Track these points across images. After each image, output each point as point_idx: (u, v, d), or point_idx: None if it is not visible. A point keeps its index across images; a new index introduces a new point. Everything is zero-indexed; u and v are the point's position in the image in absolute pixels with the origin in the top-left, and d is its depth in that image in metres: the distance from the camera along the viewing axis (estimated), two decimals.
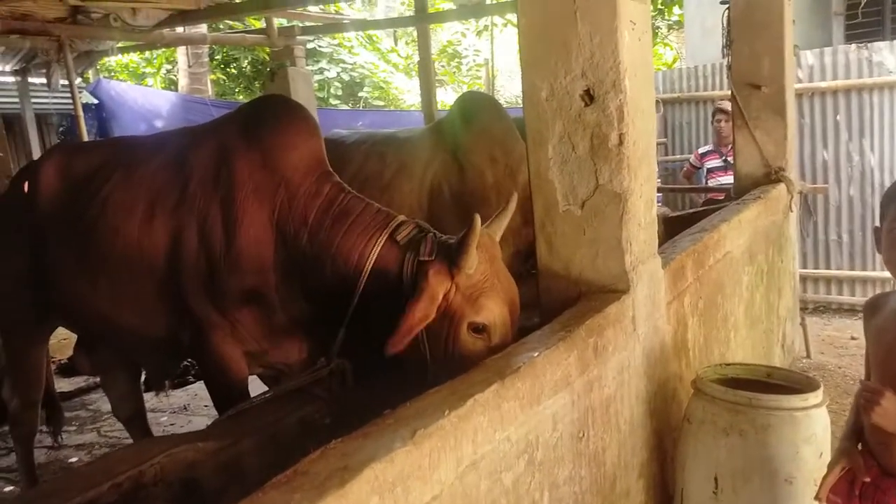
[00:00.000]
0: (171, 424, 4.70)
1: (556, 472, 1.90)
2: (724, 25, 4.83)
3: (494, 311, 2.15)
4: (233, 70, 14.86)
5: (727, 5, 4.77)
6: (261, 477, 2.23)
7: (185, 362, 4.42)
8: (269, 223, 2.40)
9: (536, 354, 1.82)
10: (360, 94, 14.32)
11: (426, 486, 1.41)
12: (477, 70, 14.37)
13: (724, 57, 5.09)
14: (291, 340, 2.53)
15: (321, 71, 13.28)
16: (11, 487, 4.02)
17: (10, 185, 3.27)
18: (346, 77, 13.87)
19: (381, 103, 14.54)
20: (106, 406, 5.20)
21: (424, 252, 2.17)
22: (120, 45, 8.17)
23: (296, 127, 2.49)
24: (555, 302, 2.42)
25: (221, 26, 9.69)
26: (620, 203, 2.30)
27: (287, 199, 2.39)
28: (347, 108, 13.56)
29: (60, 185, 2.79)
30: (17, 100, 10.45)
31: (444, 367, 2.11)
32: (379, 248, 2.24)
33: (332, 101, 13.63)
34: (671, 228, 4.08)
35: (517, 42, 2.44)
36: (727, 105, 6.46)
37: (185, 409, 4.94)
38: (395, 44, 11.92)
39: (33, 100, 11.11)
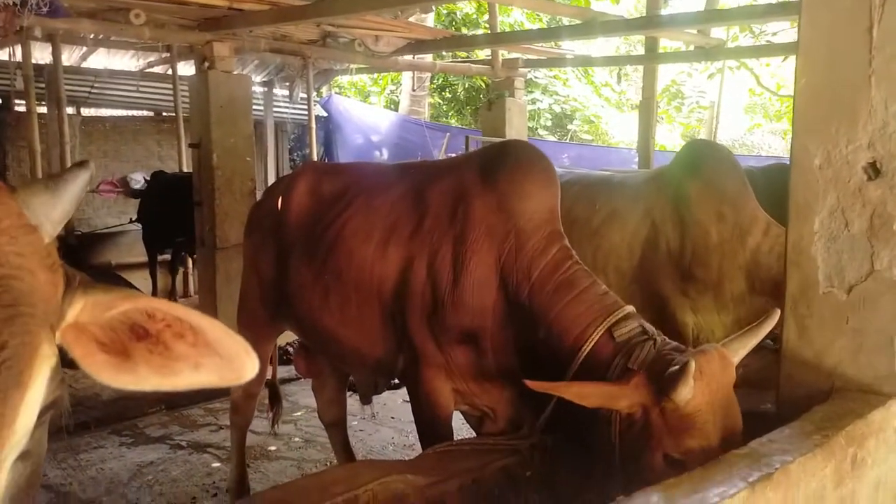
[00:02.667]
0: (361, 430, 4.90)
1: None
2: None
3: (696, 450, 1.90)
4: (447, 94, 15.53)
5: None
6: None
7: None
8: (494, 268, 2.39)
9: (790, 459, 1.61)
10: (568, 127, 14.30)
11: None
12: (700, 112, 13.74)
13: None
14: (498, 388, 2.50)
15: (533, 101, 13.44)
16: (219, 464, 4.41)
17: (264, 196, 3.60)
18: (557, 109, 13.92)
19: (589, 137, 14.41)
20: (304, 400, 5.57)
21: (636, 360, 2.02)
22: (356, 66, 8.82)
23: (534, 177, 2.46)
24: (799, 393, 2.16)
25: (446, 54, 10.18)
26: None
27: (515, 249, 2.36)
28: (555, 139, 13.59)
29: (309, 202, 3.01)
30: (262, 108, 11.68)
31: (630, 474, 1.97)
32: (596, 339, 2.13)
33: (541, 132, 13.73)
34: None
35: (793, 102, 2.22)
36: None
37: (373, 417, 5.13)
38: (619, 82, 11.72)
39: (274, 109, 12.40)
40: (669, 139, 13.86)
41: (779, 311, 2.23)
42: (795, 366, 2.19)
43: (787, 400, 2.19)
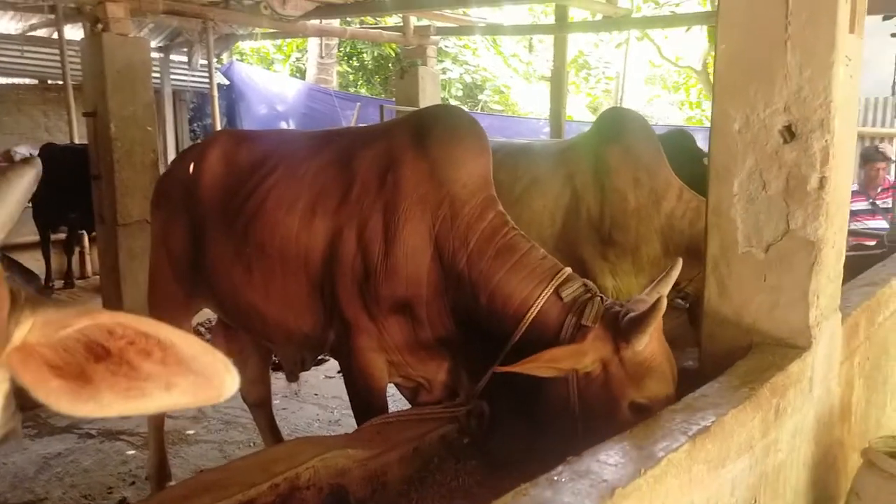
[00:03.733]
0: (284, 409, 4.79)
1: None
2: None
3: (660, 394, 1.99)
4: (355, 63, 15.18)
5: None
6: (402, 489, 2.20)
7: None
8: (428, 236, 2.35)
9: (724, 412, 1.68)
10: (479, 97, 14.34)
11: None
12: (607, 82, 14.10)
13: (893, 94, 4.72)
14: (434, 357, 2.48)
15: (444, 71, 13.36)
16: (134, 451, 4.21)
17: (172, 166, 3.40)
18: (467, 79, 13.92)
19: (500, 108, 14.50)
20: None
21: (589, 317, 2.05)
22: (261, 31, 8.46)
23: (467, 143, 2.42)
24: (720, 350, 2.26)
25: (354, 20, 9.92)
26: (813, 252, 2.11)
27: (450, 216, 2.32)
28: (466, 109, 13.62)
29: (224, 171, 2.85)
30: (158, 75, 11.01)
31: (593, 435, 2.01)
32: (542, 302, 2.14)
33: (452, 103, 13.71)
34: None
35: (714, 68, 2.29)
36: (889, 151, 5.98)
37: (296, 395, 5.02)
38: (531, 51, 11.80)
39: (172, 76, 11.74)
40: (576, 109, 14.16)
41: (681, 260, 2.36)
42: (716, 323, 2.29)
43: (709, 356, 2.29)
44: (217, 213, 2.82)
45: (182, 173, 3.03)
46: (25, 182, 0.77)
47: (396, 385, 2.71)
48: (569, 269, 2.23)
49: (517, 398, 2.21)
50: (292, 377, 3.07)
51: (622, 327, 1.97)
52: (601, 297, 2.12)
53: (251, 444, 4.20)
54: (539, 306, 2.12)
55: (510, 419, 2.28)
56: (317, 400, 5.00)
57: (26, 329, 0.73)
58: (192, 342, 0.75)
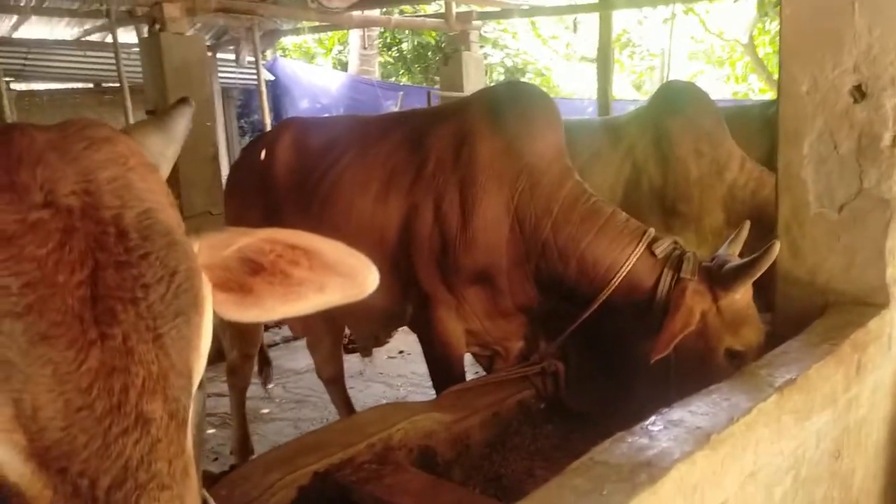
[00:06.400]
0: (351, 388, 4.89)
1: (814, 491, 1.80)
2: None
3: (753, 340, 2.09)
4: (393, 53, 15.25)
5: None
6: (484, 452, 2.29)
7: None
8: (506, 209, 2.43)
9: (808, 366, 1.72)
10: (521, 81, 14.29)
11: (717, 491, 1.37)
12: (651, 59, 13.90)
13: None
14: (513, 324, 2.56)
15: (485, 56, 13.35)
16: (213, 430, 4.39)
17: (243, 155, 3.54)
18: (508, 63, 13.88)
19: (544, 90, 14.38)
20: (287, 364, 5.57)
21: (686, 270, 2.14)
22: (307, 24, 8.61)
23: (541, 116, 2.49)
24: (794, 309, 2.29)
25: (397, 10, 9.99)
26: (888, 210, 2.12)
27: (529, 187, 2.40)
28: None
29: (296, 157, 2.97)
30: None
31: (687, 383, 2.07)
32: (635, 259, 2.22)
33: None
34: None
35: (779, 32, 2.30)
36: None
37: (360, 374, 5.16)
38: (575, 31, 11.72)
39: (219, 74, 11.98)
40: (620, 88, 14.01)
41: (749, 222, 2.46)
42: (789, 285, 2.32)
43: (783, 317, 2.32)
44: (291, 197, 2.94)
45: (254, 161, 3.16)
46: (186, 119, 0.87)
47: (473, 354, 2.80)
48: (652, 229, 2.29)
49: (597, 357, 2.28)
50: (366, 352, 3.18)
51: (724, 276, 2.05)
52: (694, 253, 2.19)
53: (324, 421, 4.35)
54: (631, 264, 2.19)
55: (588, 377, 2.36)
56: (382, 378, 5.14)
57: (195, 251, 0.81)
58: (335, 248, 0.85)
